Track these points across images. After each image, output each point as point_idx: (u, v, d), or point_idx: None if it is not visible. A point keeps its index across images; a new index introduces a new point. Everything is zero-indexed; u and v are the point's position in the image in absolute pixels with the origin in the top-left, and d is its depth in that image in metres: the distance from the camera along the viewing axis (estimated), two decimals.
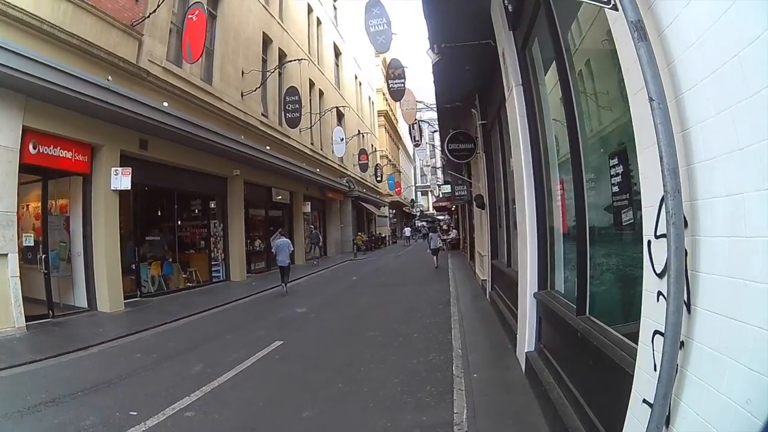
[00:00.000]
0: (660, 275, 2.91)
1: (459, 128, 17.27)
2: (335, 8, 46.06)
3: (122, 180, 14.32)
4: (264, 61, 27.13)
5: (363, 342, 10.47)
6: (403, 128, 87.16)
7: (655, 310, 2.96)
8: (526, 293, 7.68)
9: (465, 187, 18.26)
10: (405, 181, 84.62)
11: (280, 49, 29.12)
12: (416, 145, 50.59)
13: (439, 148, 63.26)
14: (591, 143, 5.55)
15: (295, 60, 28.59)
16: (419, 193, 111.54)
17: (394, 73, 25.92)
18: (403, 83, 25.98)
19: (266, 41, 27.53)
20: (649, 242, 3.08)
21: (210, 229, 22.36)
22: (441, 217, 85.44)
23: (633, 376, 3.40)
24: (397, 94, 26.47)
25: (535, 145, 7.64)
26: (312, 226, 31.67)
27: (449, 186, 38.42)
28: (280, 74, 29.00)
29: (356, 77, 52.09)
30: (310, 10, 37.25)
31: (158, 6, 16.08)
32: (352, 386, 7.51)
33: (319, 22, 39.55)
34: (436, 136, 58.19)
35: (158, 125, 15.46)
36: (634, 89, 3.22)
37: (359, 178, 48.50)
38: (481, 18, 9.01)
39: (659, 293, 2.89)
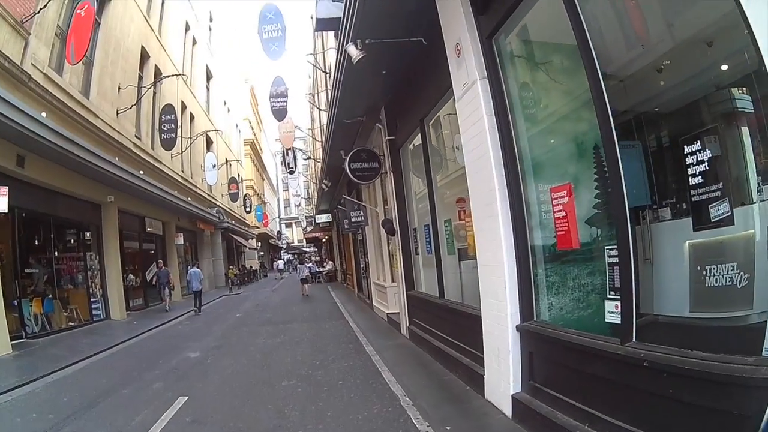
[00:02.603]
0: None
1: (352, 149, 15.78)
2: (210, 29, 45.05)
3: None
4: (140, 78, 25.40)
5: (283, 395, 8.92)
6: (267, 159, 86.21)
7: None
8: (506, 327, 6.56)
9: (362, 212, 16.98)
10: (270, 213, 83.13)
11: (156, 66, 27.57)
12: (290, 173, 48.56)
13: (307, 178, 62.83)
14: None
15: (173, 75, 27.20)
16: (284, 225, 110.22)
17: (277, 91, 24.86)
18: (286, 102, 24.94)
19: (144, 56, 26.00)
20: None
21: (86, 261, 20.12)
22: (308, 250, 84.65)
23: None
24: (280, 113, 25.48)
25: (508, 150, 6.58)
26: (160, 261, 25.88)
27: (326, 215, 37.89)
28: (154, 94, 27.34)
29: (225, 103, 50.47)
30: (187, 28, 36.09)
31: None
32: None
33: (194, 42, 38.29)
34: (301, 163, 57.17)
35: (37, 139, 13.72)
36: None
37: (227, 209, 46.61)
38: (420, 9, 8.07)
39: None
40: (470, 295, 9.48)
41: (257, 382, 9.96)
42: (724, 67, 4.45)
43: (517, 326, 6.46)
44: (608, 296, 4.98)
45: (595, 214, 5.48)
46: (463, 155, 7.59)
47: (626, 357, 4.46)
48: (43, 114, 14.29)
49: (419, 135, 11.23)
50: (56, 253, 18.53)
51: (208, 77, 43.80)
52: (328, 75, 26.34)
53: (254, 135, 70.06)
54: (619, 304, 4.77)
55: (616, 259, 4.81)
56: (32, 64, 14.88)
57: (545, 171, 6.58)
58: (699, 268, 4.41)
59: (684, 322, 4.59)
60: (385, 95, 12.77)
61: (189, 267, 29.13)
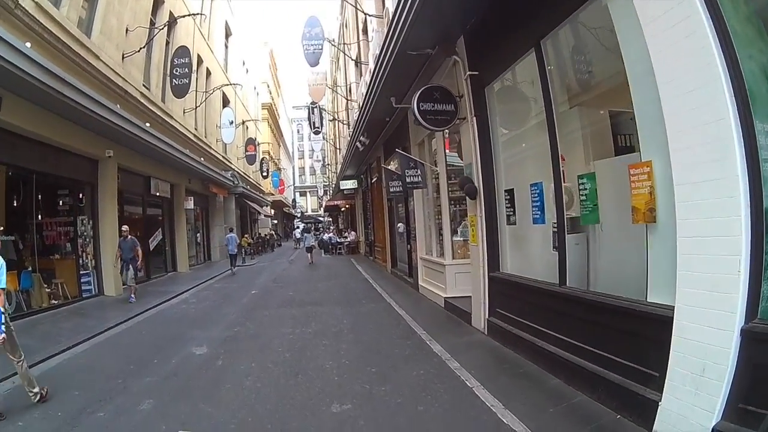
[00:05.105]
0: None
1: (408, 92, 13.25)
2: None
3: None
4: (152, 23, 22.42)
5: None
6: (284, 126, 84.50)
7: None
8: (727, 331, 4.49)
9: (419, 171, 13.62)
10: (285, 180, 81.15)
11: (171, 13, 24.35)
12: (316, 132, 44.24)
13: (326, 142, 60.11)
14: None
15: (190, 15, 24.00)
16: (298, 194, 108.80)
17: (311, 32, 21.71)
18: (321, 46, 21.75)
19: (158, 1, 23.10)
20: None
21: (77, 227, 17.12)
22: (322, 219, 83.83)
23: None
24: (313, 57, 22.38)
25: (732, 64, 4.47)
26: (124, 229, 17.59)
27: (351, 181, 35.14)
28: (167, 43, 24.39)
29: (244, 63, 47.50)
30: None
31: None
32: None
33: None
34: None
35: (16, 73, 11.06)
36: None
37: (243, 173, 44.07)
38: None
39: None
40: (606, 282, 7.09)
41: (293, 406, 6.83)
42: None
43: (742, 329, 4.45)
44: None
45: None
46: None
47: None
48: (28, 44, 11.59)
49: (527, 64, 8.47)
50: (40, 216, 15.72)
51: (227, 35, 40.88)
52: (363, 16, 23.50)
53: (272, 99, 67.77)
54: None
55: None
56: None
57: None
58: None
59: None
60: (468, 19, 9.95)
61: (226, 233, 30.69)
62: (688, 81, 4.74)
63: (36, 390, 7.15)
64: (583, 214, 7.12)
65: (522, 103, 9.53)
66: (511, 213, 9.41)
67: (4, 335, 6.66)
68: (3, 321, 6.68)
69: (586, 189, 6.93)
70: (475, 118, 10.29)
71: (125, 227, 17.39)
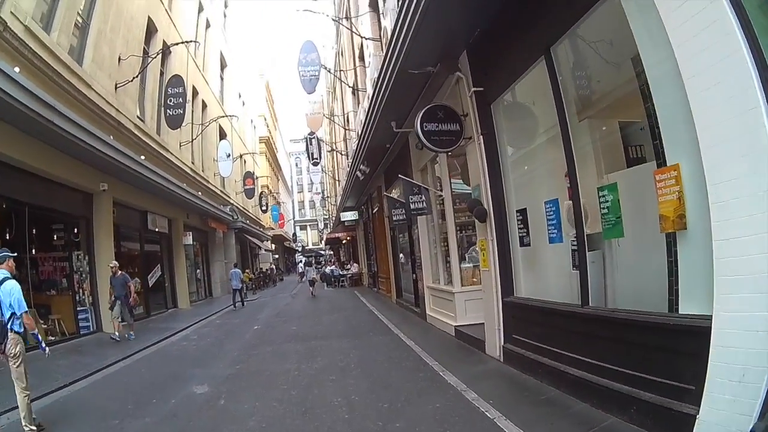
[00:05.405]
0: None
1: (408, 116, 12.92)
2: (225, 15, 42.31)
3: None
4: (146, 52, 22.22)
5: None
6: (282, 160, 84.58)
7: None
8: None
9: (423, 197, 13.21)
10: (285, 214, 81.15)
11: (165, 42, 24.16)
12: (314, 164, 42.78)
13: (324, 175, 59.96)
14: None
15: (184, 42, 23.91)
16: (298, 228, 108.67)
17: (307, 58, 21.22)
18: (318, 71, 21.29)
19: (151, 29, 22.92)
20: None
21: (72, 262, 16.74)
22: (323, 253, 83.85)
23: None
24: (310, 84, 21.89)
25: (759, 54, 4.27)
26: (113, 265, 16.39)
27: (351, 213, 34.73)
28: (162, 74, 24.11)
29: (240, 96, 47.41)
30: (200, 8, 33.30)
31: None
32: None
33: (208, 25, 35.34)
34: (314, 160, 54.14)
35: (5, 100, 10.90)
36: None
37: (242, 208, 43.64)
38: None
39: None
40: (625, 298, 6.87)
41: None
42: None
43: None
44: None
45: None
46: None
47: None
48: (16, 69, 11.42)
49: (536, 75, 8.13)
50: (34, 251, 15.33)
51: (222, 66, 40.84)
52: (359, 42, 23.26)
53: (269, 133, 67.88)
54: None
55: None
56: (11, 12, 12.40)
57: None
58: None
59: None
60: (471, 32, 9.60)
61: (230, 268, 31.29)
62: (715, 72, 4.51)
63: (33, 427, 7.05)
64: (605, 228, 6.68)
65: (530, 118, 9.20)
66: (525, 234, 8.99)
67: (48, 350, 7.26)
68: (41, 339, 7.24)
69: (607, 201, 6.51)
70: (481, 136, 9.89)
71: (114, 263, 16.48)
